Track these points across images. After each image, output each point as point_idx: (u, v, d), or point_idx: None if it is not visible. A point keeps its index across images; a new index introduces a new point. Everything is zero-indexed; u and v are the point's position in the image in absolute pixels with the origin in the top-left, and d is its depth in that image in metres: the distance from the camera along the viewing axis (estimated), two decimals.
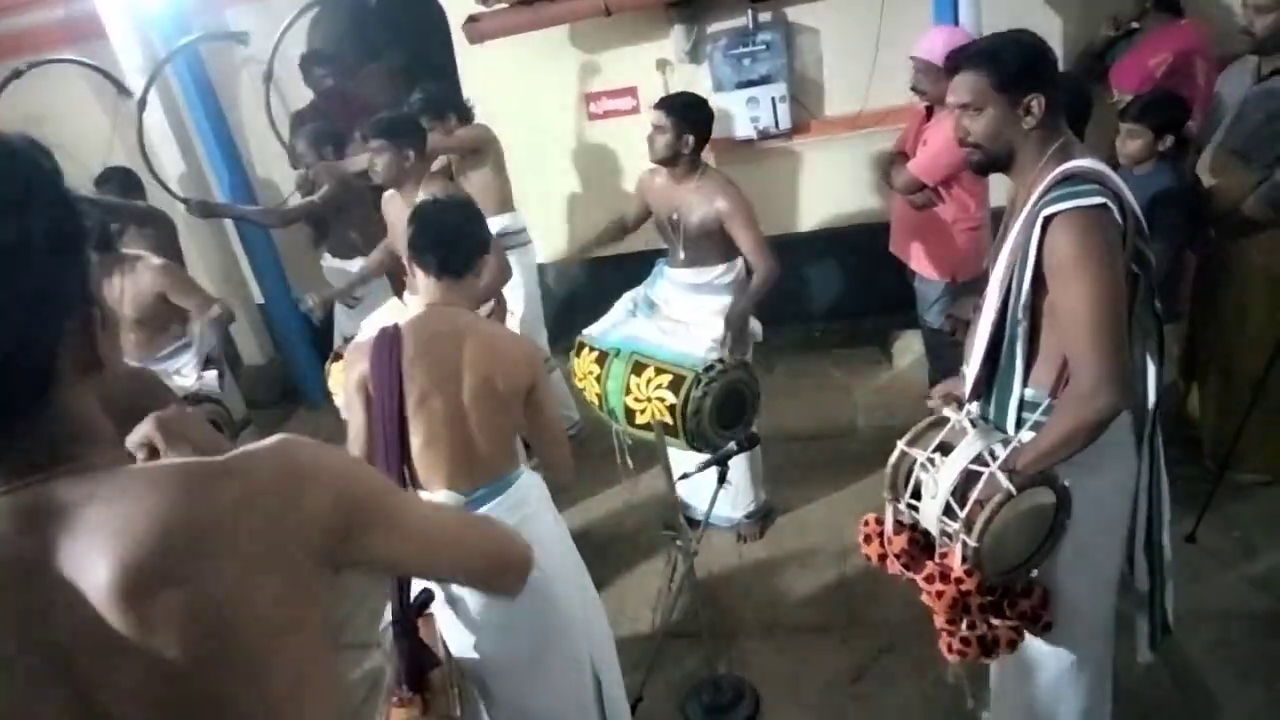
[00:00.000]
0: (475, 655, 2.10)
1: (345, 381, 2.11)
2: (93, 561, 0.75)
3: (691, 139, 3.05)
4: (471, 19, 4.37)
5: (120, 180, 4.02)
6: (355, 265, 4.25)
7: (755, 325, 3.15)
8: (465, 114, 3.98)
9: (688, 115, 3.04)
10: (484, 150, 3.92)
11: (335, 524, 0.88)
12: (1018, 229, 1.68)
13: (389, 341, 2.02)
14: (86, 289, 0.81)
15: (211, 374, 3.40)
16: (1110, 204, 1.57)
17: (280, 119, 4.73)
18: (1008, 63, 1.68)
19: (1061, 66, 4.16)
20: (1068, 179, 1.61)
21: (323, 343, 4.81)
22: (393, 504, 0.98)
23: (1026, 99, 1.67)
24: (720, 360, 2.92)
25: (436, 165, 4.13)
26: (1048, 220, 1.59)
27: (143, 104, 4.24)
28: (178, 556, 0.77)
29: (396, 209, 3.32)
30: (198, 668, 0.77)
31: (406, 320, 2.10)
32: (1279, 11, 2.67)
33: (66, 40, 4.85)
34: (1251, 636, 2.62)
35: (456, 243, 2.13)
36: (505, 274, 3.23)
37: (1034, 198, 1.65)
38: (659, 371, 2.92)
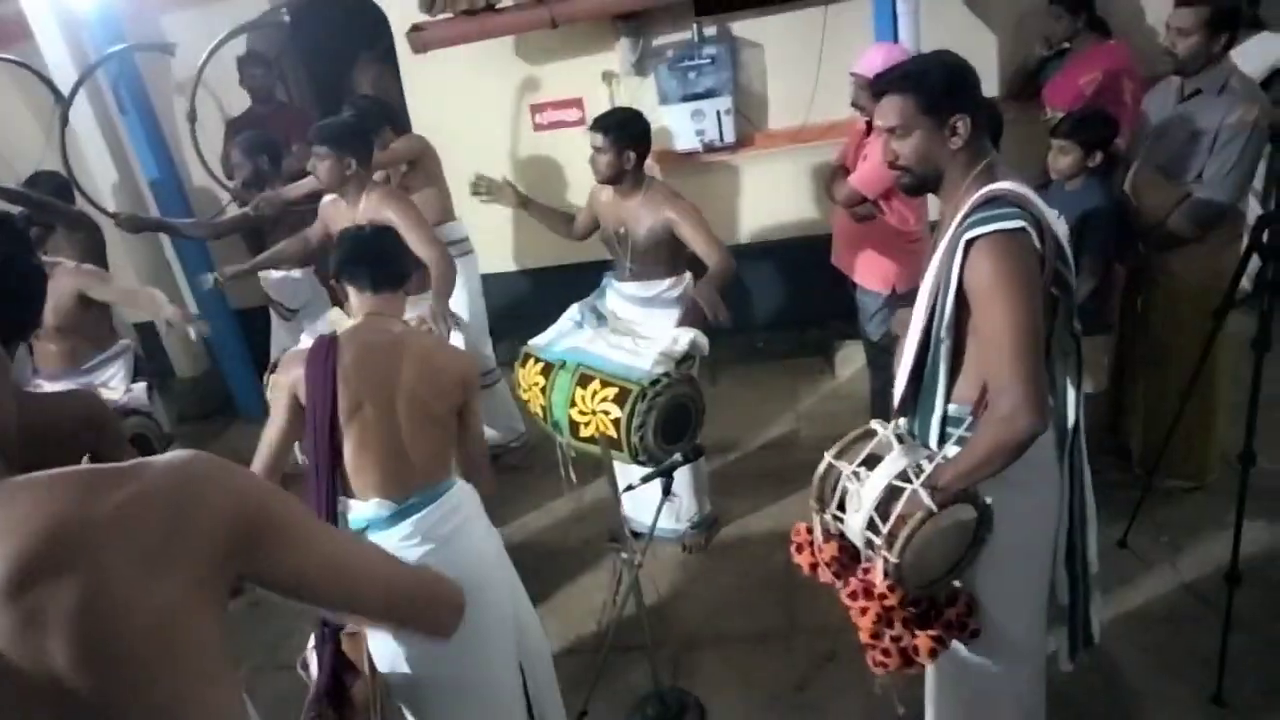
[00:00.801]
0: (402, 670, 2.06)
1: (276, 385, 2.12)
2: None
3: (632, 154, 3.05)
4: (415, 28, 4.33)
5: (50, 184, 3.89)
6: (295, 274, 4.17)
7: (701, 339, 3.15)
8: (400, 126, 3.94)
9: (625, 132, 3.04)
10: (420, 161, 3.90)
11: (234, 531, 0.88)
12: (942, 249, 1.71)
13: (324, 349, 2.05)
14: None
15: (140, 386, 3.32)
16: (1029, 228, 1.60)
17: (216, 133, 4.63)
18: (933, 85, 1.70)
19: (997, 84, 4.32)
20: (990, 201, 1.64)
21: (258, 355, 4.71)
22: (301, 522, 0.97)
23: (952, 120, 1.70)
24: (666, 374, 2.92)
25: (377, 176, 4.09)
26: (969, 244, 1.62)
27: (65, 117, 4.12)
28: (66, 549, 0.76)
29: (338, 213, 3.27)
30: (83, 666, 0.76)
31: (343, 330, 2.10)
32: (1199, 34, 2.77)
33: None
34: (1180, 637, 2.70)
35: (388, 258, 2.21)
36: (452, 273, 3.21)
37: (958, 219, 1.67)
38: (605, 384, 2.91)
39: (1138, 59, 3.72)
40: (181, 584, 0.82)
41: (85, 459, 2.25)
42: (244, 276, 3.80)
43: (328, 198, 3.38)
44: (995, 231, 1.59)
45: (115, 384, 3.25)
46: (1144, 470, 3.21)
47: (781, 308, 5.07)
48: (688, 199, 3.14)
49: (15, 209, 3.45)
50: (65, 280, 3.16)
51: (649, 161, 4.67)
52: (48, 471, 0.84)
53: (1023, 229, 1.59)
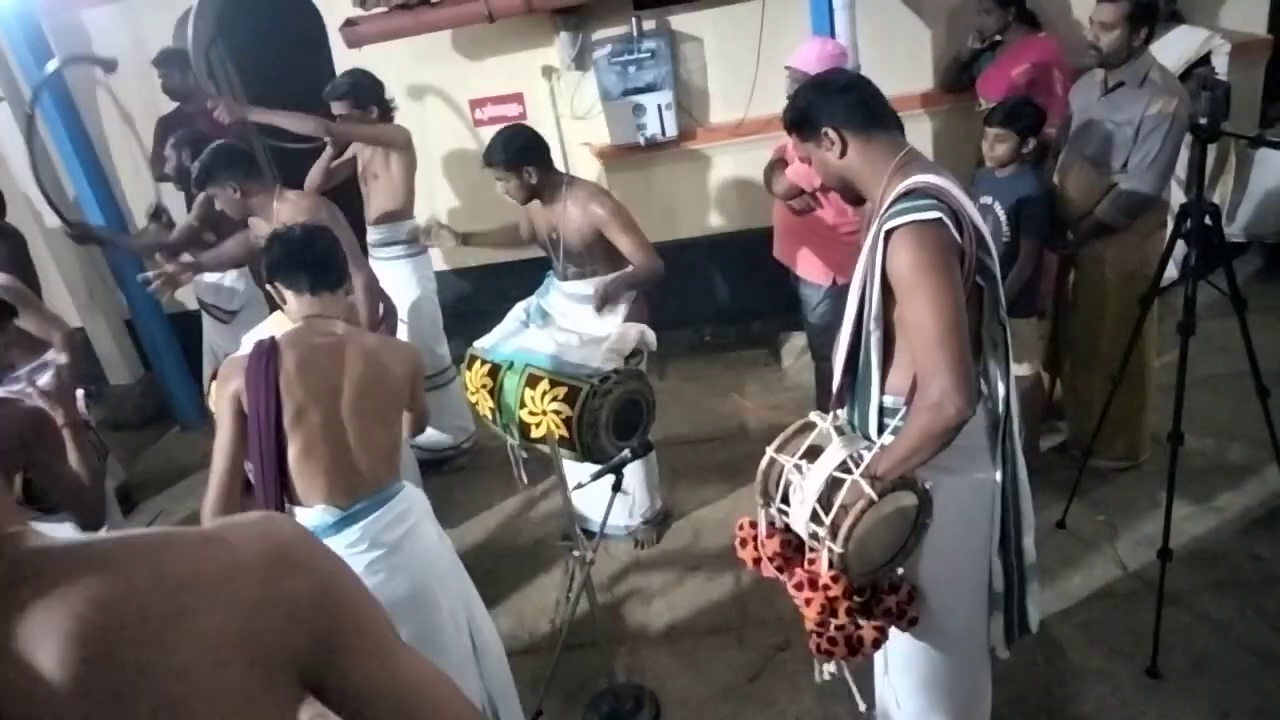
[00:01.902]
0: None
1: (219, 395, 2.07)
2: (41, 647, 0.66)
3: (531, 169, 3.03)
4: (349, 22, 4.25)
5: None
6: (229, 279, 4.08)
7: (649, 335, 3.16)
8: (387, 110, 3.87)
9: (510, 153, 3.00)
10: (403, 152, 3.83)
11: (314, 623, 0.77)
12: (867, 242, 1.75)
13: (265, 355, 2.01)
14: None
15: (79, 395, 3.19)
16: (946, 218, 1.63)
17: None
18: (794, 116, 1.86)
19: (931, 76, 4.39)
20: (908, 194, 1.67)
21: (193, 360, 4.59)
22: (379, 622, 0.85)
23: (820, 135, 1.81)
24: (615, 371, 2.92)
25: (346, 156, 4.03)
26: (889, 235, 1.66)
27: (31, 120, 3.96)
28: (142, 639, 0.68)
29: (261, 228, 3.21)
30: None
31: (283, 334, 2.06)
32: (1121, 29, 2.86)
33: None
34: (1117, 613, 2.79)
35: (326, 258, 2.17)
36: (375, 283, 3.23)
37: (880, 211, 1.71)
38: (554, 384, 2.90)
39: (1065, 51, 3.82)
40: (253, 679, 0.72)
41: (19, 474, 2.18)
42: (183, 273, 3.70)
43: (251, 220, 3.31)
44: (912, 222, 1.63)
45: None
46: (1079, 452, 3.30)
47: (727, 301, 5.11)
48: (613, 197, 3.13)
49: None
50: None
51: (589, 156, 4.70)
52: (118, 536, 0.74)
53: (939, 219, 1.63)
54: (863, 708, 2.02)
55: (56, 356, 3.06)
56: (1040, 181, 3.11)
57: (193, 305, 4.43)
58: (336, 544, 2.01)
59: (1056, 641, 2.71)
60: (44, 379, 3.19)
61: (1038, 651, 2.66)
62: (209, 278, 4.05)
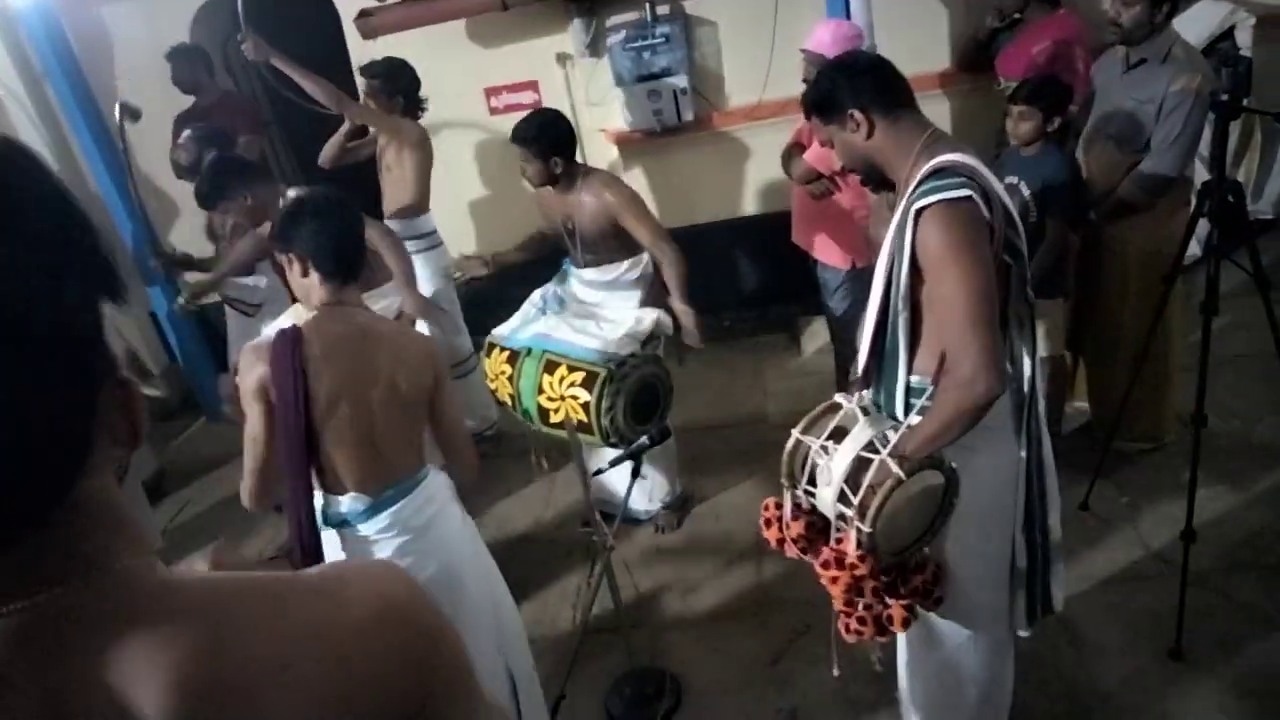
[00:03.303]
0: None
1: (242, 385, 2.01)
2: (143, 687, 0.62)
3: (558, 159, 3.04)
4: (364, 13, 4.27)
5: None
6: (251, 280, 4.12)
7: (665, 319, 3.16)
8: (413, 106, 3.89)
9: (543, 139, 3.01)
10: (415, 149, 3.84)
11: (413, 687, 0.74)
12: (895, 222, 1.74)
13: (289, 343, 1.96)
14: (108, 350, 0.65)
15: None
16: (975, 196, 1.62)
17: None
18: (817, 98, 1.86)
19: (949, 55, 4.34)
20: (937, 172, 1.66)
21: (218, 353, 4.64)
22: (470, 678, 0.82)
23: (845, 117, 1.80)
24: (632, 355, 2.93)
25: (367, 138, 4.06)
26: (918, 214, 1.65)
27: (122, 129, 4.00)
28: (245, 688, 0.65)
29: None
30: None
31: (305, 322, 2.04)
32: (1143, 5, 2.82)
33: None
34: (1139, 595, 2.77)
35: (353, 244, 2.09)
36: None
37: (908, 191, 1.70)
38: (571, 369, 2.91)
39: (1086, 27, 3.77)
40: None
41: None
42: (208, 290, 3.76)
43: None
44: (941, 200, 1.62)
45: None
46: (1102, 432, 3.28)
47: (746, 286, 5.10)
48: (628, 186, 3.14)
49: None
50: None
51: (605, 143, 4.70)
52: (231, 577, 0.71)
53: (969, 197, 1.62)
54: (876, 660, 2.03)
55: None
56: (1066, 161, 3.07)
57: (214, 298, 4.47)
58: (367, 531, 2.04)
59: (1079, 623, 2.70)
60: None
61: (1060, 633, 2.66)
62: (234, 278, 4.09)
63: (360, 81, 3.75)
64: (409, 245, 3.89)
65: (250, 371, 1.97)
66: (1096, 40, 3.60)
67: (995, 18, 3.93)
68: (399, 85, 3.79)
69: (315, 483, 2.05)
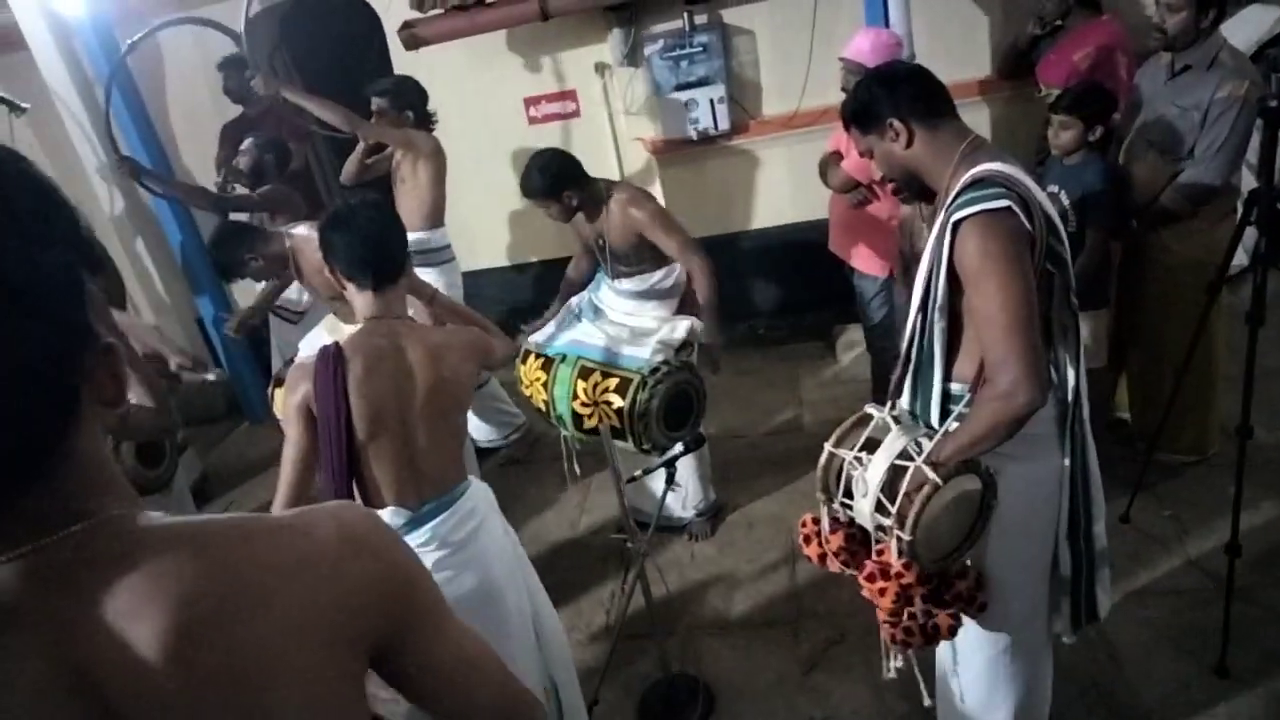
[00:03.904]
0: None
1: (286, 403, 2.04)
2: (140, 621, 0.70)
3: (572, 194, 3.07)
4: (407, 25, 4.34)
5: None
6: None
7: (699, 326, 3.18)
8: (424, 119, 3.96)
9: (548, 184, 3.03)
10: (429, 160, 3.89)
11: (384, 604, 0.83)
12: (935, 231, 1.73)
13: (331, 361, 1.98)
14: (91, 315, 0.73)
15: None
16: (1015, 207, 1.61)
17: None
18: (855, 109, 1.85)
19: (989, 63, 4.31)
20: (977, 183, 1.65)
21: (263, 359, 4.74)
22: (439, 605, 0.92)
23: (884, 127, 1.79)
24: (666, 362, 2.95)
25: (384, 153, 4.13)
26: (956, 225, 1.64)
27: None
28: (229, 615, 0.73)
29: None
30: None
31: (346, 339, 2.06)
32: (1188, 10, 2.77)
33: None
34: (1184, 611, 2.72)
35: (389, 249, 2.09)
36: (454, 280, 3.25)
37: (947, 201, 1.70)
38: (605, 375, 2.94)
39: (1129, 33, 3.72)
40: (329, 655, 0.78)
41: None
42: (257, 314, 3.87)
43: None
44: (981, 211, 1.61)
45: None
46: (1145, 445, 3.23)
47: (781, 294, 5.09)
48: (653, 198, 3.16)
49: None
50: None
51: (642, 151, 4.73)
52: (206, 520, 0.78)
53: (1008, 208, 1.61)
54: (928, 702, 2.01)
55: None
56: (1107, 169, 3.03)
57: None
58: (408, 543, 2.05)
59: (1119, 636, 2.65)
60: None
61: (1100, 646, 2.62)
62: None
63: (374, 102, 3.82)
64: (424, 259, 3.91)
65: (295, 390, 2.00)
66: (1140, 46, 3.56)
67: (1036, 24, 3.90)
68: (406, 100, 3.87)
69: (356, 497, 2.07)
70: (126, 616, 0.70)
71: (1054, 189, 3.00)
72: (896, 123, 1.78)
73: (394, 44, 4.53)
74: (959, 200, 1.65)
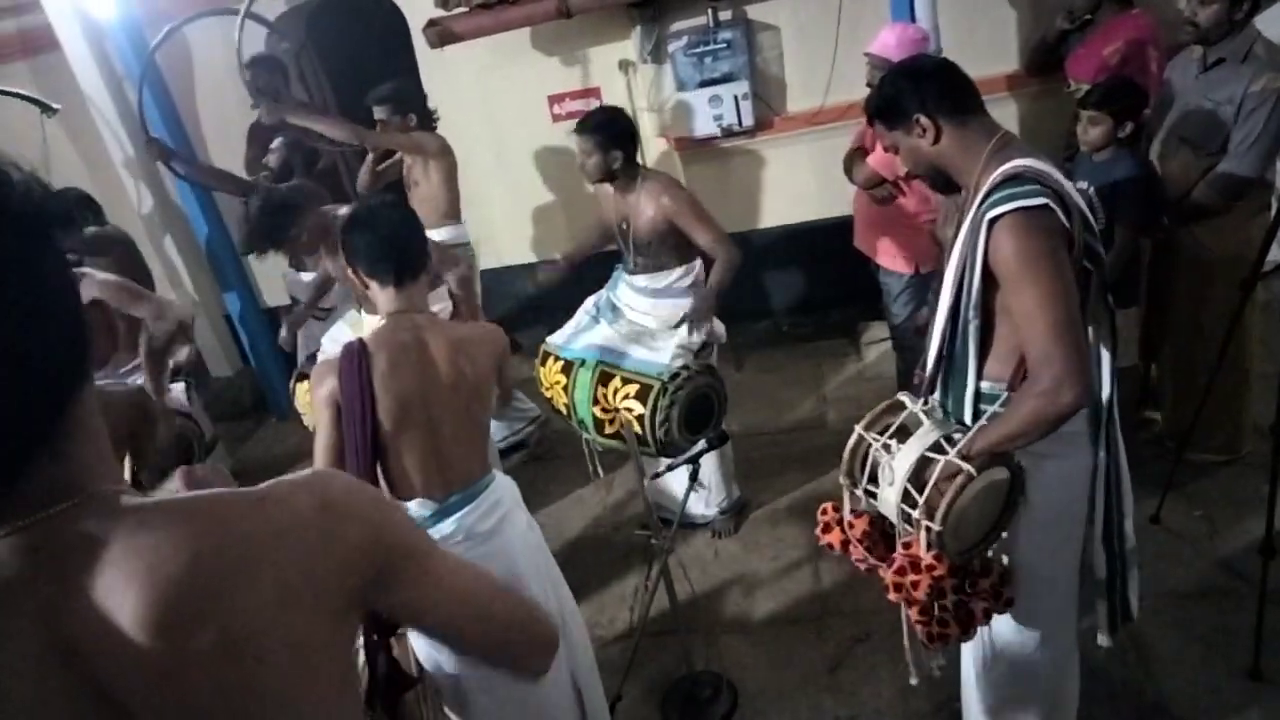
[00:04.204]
0: (450, 671, 2.09)
1: (313, 398, 2.09)
2: (122, 595, 0.72)
3: (618, 154, 3.05)
4: (431, 23, 4.36)
5: (72, 202, 3.97)
6: (307, 277, 4.24)
7: (719, 327, 3.16)
8: (427, 119, 3.98)
9: (606, 133, 3.03)
10: (439, 159, 3.92)
11: (368, 563, 0.86)
12: (966, 229, 1.71)
13: (355, 357, 2.01)
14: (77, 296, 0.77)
15: (179, 387, 3.37)
16: (1052, 204, 1.59)
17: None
18: (881, 104, 1.83)
19: (1017, 57, 4.26)
20: (1010, 179, 1.63)
21: (288, 355, 4.77)
22: (425, 549, 0.95)
23: (912, 123, 1.77)
24: (685, 367, 2.94)
25: (394, 159, 4.15)
26: (992, 222, 1.62)
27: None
28: (211, 586, 0.75)
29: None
30: (228, 700, 0.75)
31: (369, 334, 2.09)
32: (1221, 3, 2.73)
33: (20, 53, 4.79)
34: (1215, 613, 2.68)
35: (408, 246, 2.11)
36: (473, 271, 3.24)
37: (979, 198, 1.67)
38: (625, 381, 2.93)
39: (1160, 27, 3.67)
40: (318, 618, 0.80)
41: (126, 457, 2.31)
42: (300, 322, 3.97)
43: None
44: (1017, 209, 1.59)
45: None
46: (1175, 444, 3.18)
47: (805, 291, 5.07)
48: (686, 188, 3.14)
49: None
50: (90, 292, 3.15)
51: (666, 148, 4.72)
52: (185, 497, 0.81)
53: (1045, 205, 1.59)
54: (937, 670, 2.00)
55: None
56: (1138, 165, 2.98)
57: (286, 300, 4.62)
58: (433, 536, 2.07)
59: (1149, 639, 2.62)
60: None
61: (1129, 647, 2.59)
62: (305, 278, 4.23)
63: (376, 111, 3.85)
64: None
65: (321, 385, 2.05)
66: (1171, 40, 3.51)
67: (1065, 19, 3.84)
68: (408, 105, 3.89)
69: (383, 489, 2.09)
70: (112, 591, 0.72)
71: (1083, 185, 2.97)
72: (924, 118, 1.75)
73: (419, 42, 4.55)
74: (993, 198, 1.63)
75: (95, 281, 3.17)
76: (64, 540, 0.73)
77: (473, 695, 2.14)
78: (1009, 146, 1.72)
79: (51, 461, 0.73)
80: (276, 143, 4.31)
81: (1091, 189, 2.96)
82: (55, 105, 4.13)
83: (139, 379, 3.34)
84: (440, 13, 4.34)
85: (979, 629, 1.85)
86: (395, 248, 2.08)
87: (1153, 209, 3.02)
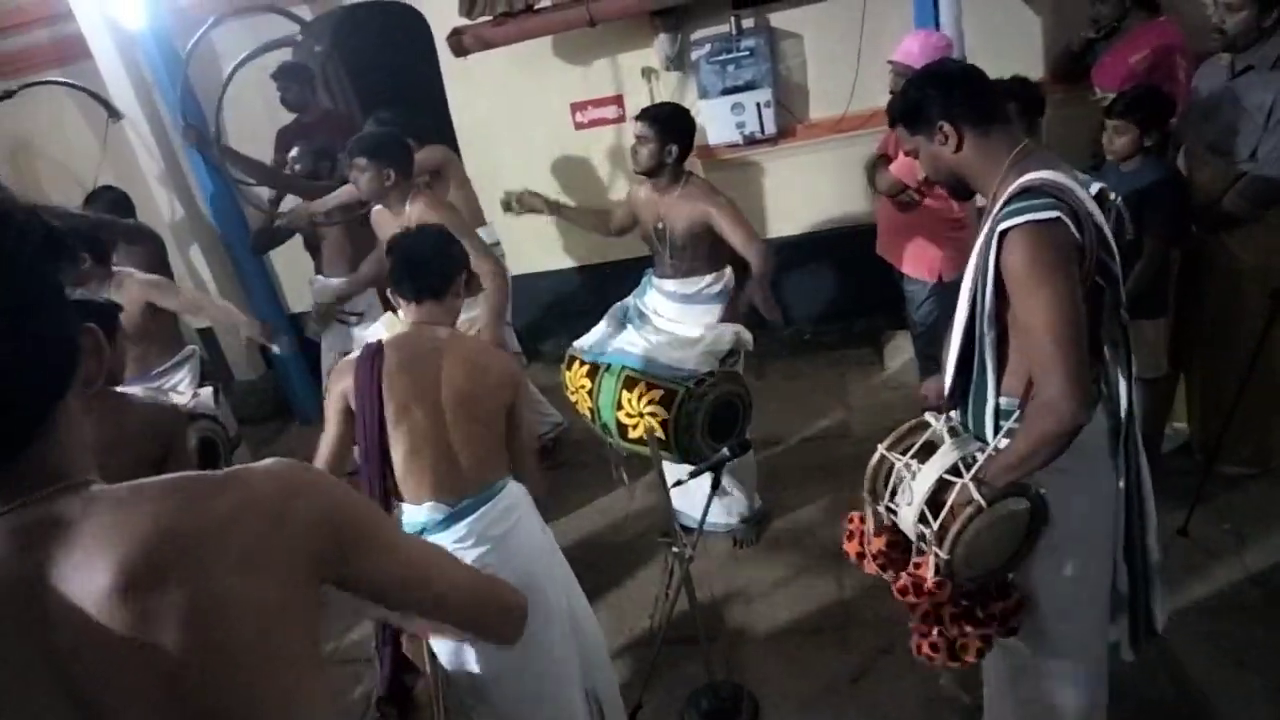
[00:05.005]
0: (463, 669, 2.10)
1: (328, 396, 2.18)
2: (92, 568, 0.78)
3: (675, 149, 3.06)
4: (455, 32, 4.39)
5: (110, 199, 4.04)
6: (335, 282, 4.28)
7: (746, 335, 3.16)
8: (423, 137, 3.99)
9: (670, 125, 3.05)
10: (444, 170, 3.95)
11: (326, 538, 0.92)
12: (980, 241, 1.70)
13: (370, 357, 2.11)
14: (71, 309, 0.85)
15: (207, 391, 3.41)
16: (1065, 218, 1.57)
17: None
18: (905, 108, 1.81)
19: (1042, 66, 4.23)
20: (1025, 191, 1.61)
21: (311, 359, 4.81)
22: (383, 527, 1.02)
23: (935, 130, 1.75)
24: (711, 373, 2.93)
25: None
26: (1003, 234, 1.61)
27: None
28: (175, 554, 0.80)
29: (384, 223, 3.33)
30: (194, 667, 0.79)
31: (390, 337, 2.16)
32: (1249, 10, 2.70)
33: (54, 62, 4.87)
34: (1245, 626, 2.64)
35: (429, 266, 2.22)
36: (504, 285, 3.24)
37: (995, 209, 1.66)
38: (650, 387, 2.93)
39: (1186, 35, 3.63)
40: (279, 586, 0.86)
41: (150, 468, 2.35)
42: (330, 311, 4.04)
43: (375, 209, 3.42)
44: (1029, 222, 1.57)
45: (183, 388, 3.34)
46: (1204, 456, 3.14)
47: (828, 299, 5.04)
48: (725, 194, 3.14)
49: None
50: (135, 290, 3.25)
51: (690, 157, 4.71)
52: (150, 480, 0.87)
53: (1057, 218, 1.56)
54: (967, 701, 1.98)
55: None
56: (1165, 174, 2.94)
57: (310, 306, 4.64)
58: (444, 540, 2.08)
59: (1179, 654, 2.58)
60: (180, 376, 3.44)
61: (1158, 664, 2.55)
62: (333, 283, 4.28)
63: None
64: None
65: (337, 381, 2.16)
66: (1200, 47, 3.47)
67: (1091, 28, 3.82)
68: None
69: (397, 493, 2.15)
70: (79, 569, 0.78)
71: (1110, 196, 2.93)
72: (947, 125, 1.74)
73: (443, 50, 4.58)
74: (1006, 209, 1.62)
75: (136, 281, 3.26)
76: (41, 522, 0.80)
77: (490, 693, 2.15)
78: (1029, 158, 1.70)
79: (41, 450, 0.81)
80: (295, 151, 4.34)
81: (1119, 199, 2.92)
82: (121, 112, 4.25)
83: (170, 379, 3.40)
84: (464, 21, 4.37)
85: (975, 659, 1.83)
86: (414, 269, 2.22)
87: (1182, 218, 2.98)
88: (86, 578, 0.78)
